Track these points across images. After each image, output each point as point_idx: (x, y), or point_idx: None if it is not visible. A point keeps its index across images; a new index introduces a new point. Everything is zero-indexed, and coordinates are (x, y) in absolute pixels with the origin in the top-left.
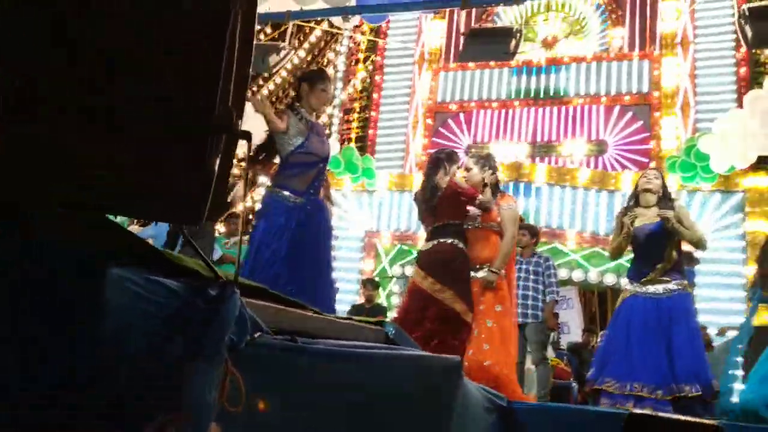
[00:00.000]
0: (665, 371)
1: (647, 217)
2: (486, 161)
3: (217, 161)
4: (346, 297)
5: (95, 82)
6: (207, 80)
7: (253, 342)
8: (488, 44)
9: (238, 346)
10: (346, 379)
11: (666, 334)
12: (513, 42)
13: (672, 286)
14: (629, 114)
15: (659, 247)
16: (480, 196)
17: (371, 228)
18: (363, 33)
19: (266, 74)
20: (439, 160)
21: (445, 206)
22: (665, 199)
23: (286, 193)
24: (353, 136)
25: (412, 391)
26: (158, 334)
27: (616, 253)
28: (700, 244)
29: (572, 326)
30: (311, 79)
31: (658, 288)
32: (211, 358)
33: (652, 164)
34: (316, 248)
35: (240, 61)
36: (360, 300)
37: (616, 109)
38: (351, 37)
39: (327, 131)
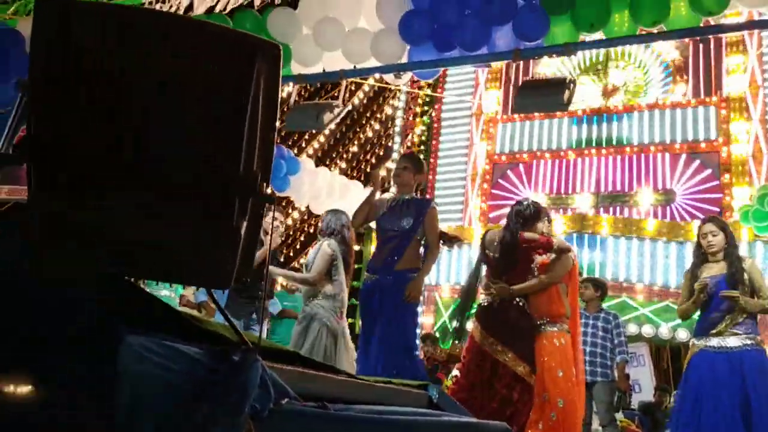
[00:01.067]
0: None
1: (715, 270)
2: (546, 213)
3: (244, 224)
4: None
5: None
6: (230, 145)
7: (279, 409)
8: (541, 95)
9: (261, 413)
10: None
11: (741, 390)
12: (567, 93)
13: (744, 340)
14: (697, 162)
15: (727, 300)
16: (555, 241)
17: (430, 281)
18: (420, 87)
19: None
20: (529, 214)
21: (518, 261)
22: (731, 247)
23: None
24: None
25: None
26: (176, 404)
27: (685, 317)
28: (766, 312)
29: (644, 384)
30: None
31: (729, 341)
32: (231, 426)
33: (727, 214)
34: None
35: (264, 124)
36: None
37: (683, 157)
38: (408, 92)
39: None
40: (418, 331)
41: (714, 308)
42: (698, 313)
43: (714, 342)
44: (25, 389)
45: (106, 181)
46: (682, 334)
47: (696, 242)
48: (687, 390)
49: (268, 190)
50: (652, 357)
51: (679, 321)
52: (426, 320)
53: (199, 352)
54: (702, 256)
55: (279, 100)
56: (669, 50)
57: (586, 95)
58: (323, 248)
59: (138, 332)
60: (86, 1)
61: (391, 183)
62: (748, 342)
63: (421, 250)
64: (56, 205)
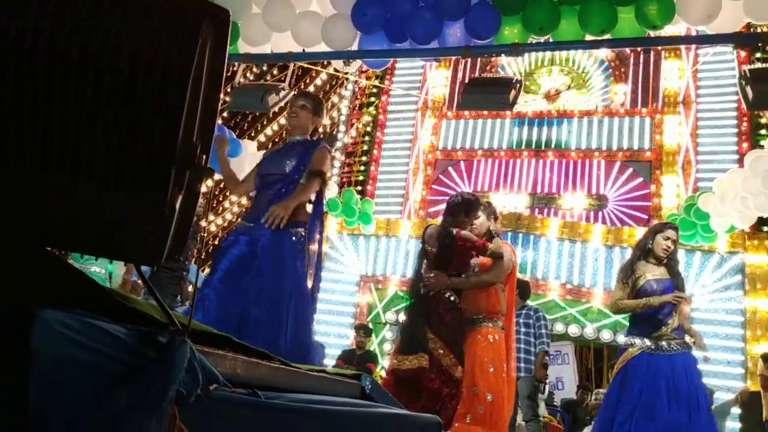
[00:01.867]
0: None
1: (658, 273)
2: (492, 210)
3: (179, 198)
4: (340, 341)
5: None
6: (169, 113)
7: (207, 395)
8: (487, 93)
9: (188, 399)
10: None
11: (686, 394)
12: (513, 92)
13: (681, 343)
14: (630, 170)
15: (670, 307)
16: (491, 245)
17: (366, 272)
18: (368, 78)
19: (269, 114)
20: (458, 206)
21: (453, 258)
22: (674, 261)
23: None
24: (353, 179)
25: None
26: (96, 386)
27: (620, 312)
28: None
29: (567, 382)
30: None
31: (672, 344)
32: (155, 411)
33: (655, 222)
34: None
35: (207, 93)
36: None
37: (617, 164)
38: (356, 81)
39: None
40: (351, 320)
41: (657, 311)
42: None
43: (654, 344)
44: None
45: (25, 144)
46: (606, 335)
47: (645, 240)
48: (624, 390)
49: (208, 164)
50: (576, 356)
51: (604, 322)
52: (360, 311)
53: (124, 331)
54: (646, 254)
55: (225, 69)
56: (611, 59)
57: (529, 99)
58: None
59: (54, 307)
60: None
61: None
62: (684, 345)
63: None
64: None
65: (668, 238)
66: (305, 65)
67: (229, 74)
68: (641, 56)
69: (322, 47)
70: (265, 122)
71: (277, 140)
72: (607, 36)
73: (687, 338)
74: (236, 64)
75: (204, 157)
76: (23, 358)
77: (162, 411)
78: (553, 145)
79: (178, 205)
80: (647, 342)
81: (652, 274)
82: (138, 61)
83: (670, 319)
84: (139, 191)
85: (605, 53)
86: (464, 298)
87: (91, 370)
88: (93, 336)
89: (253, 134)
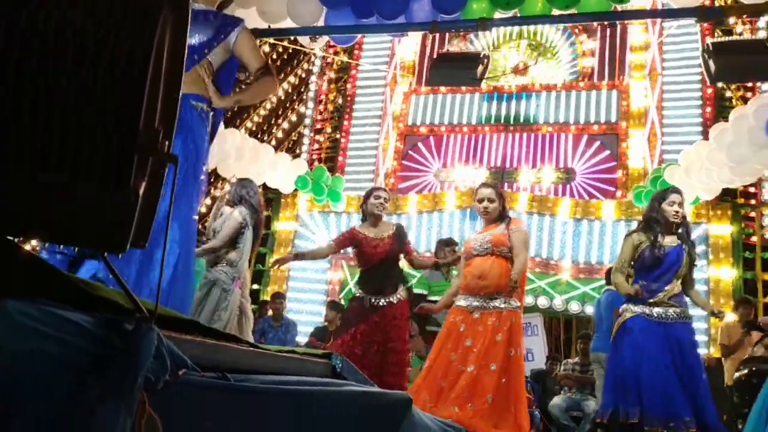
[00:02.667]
0: (688, 405)
1: (668, 242)
2: (501, 193)
3: (143, 185)
4: (312, 318)
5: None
6: (129, 99)
7: (175, 380)
8: (455, 69)
9: (156, 385)
10: (282, 419)
11: (678, 358)
12: (480, 67)
13: (679, 312)
14: (597, 143)
15: (672, 273)
16: (513, 227)
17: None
18: (336, 53)
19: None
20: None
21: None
22: (684, 227)
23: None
24: (323, 156)
25: (358, 430)
26: (64, 380)
27: (617, 287)
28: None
29: (536, 353)
30: None
31: (668, 312)
32: (123, 398)
33: (619, 193)
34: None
35: (169, 78)
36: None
37: (584, 137)
38: (323, 57)
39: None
40: (324, 297)
41: (656, 279)
42: (627, 278)
43: (653, 311)
44: None
45: None
46: (575, 306)
47: (649, 212)
48: (624, 354)
49: (171, 149)
50: (545, 327)
51: (572, 294)
52: (332, 288)
53: (89, 319)
54: (654, 222)
55: (185, 53)
56: (579, 33)
57: (497, 73)
58: (234, 216)
59: (16, 298)
60: None
61: None
62: (683, 315)
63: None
64: None
65: (674, 203)
66: (271, 41)
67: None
68: (608, 29)
69: (288, 23)
70: (245, 116)
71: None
72: (573, 10)
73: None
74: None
75: (167, 142)
76: None
77: (131, 398)
78: (521, 120)
79: (141, 192)
80: (642, 308)
81: (661, 243)
82: (99, 47)
83: (668, 285)
84: (102, 178)
85: (576, 35)
86: (498, 276)
87: (58, 363)
88: (57, 326)
89: (238, 123)
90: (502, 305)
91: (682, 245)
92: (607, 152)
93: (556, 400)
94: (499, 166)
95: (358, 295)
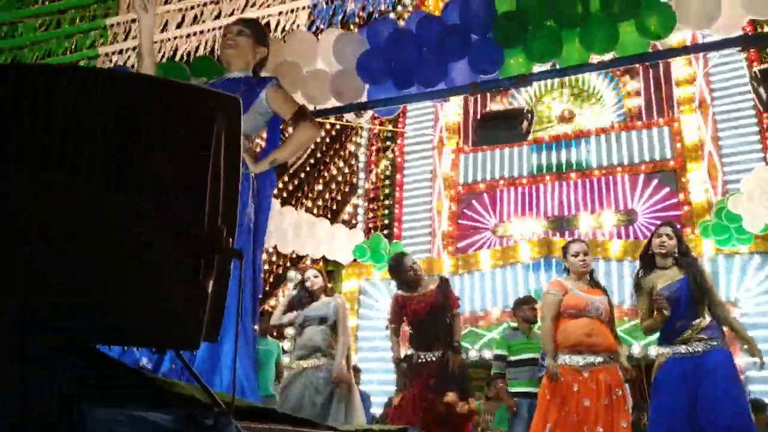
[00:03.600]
0: None
1: (668, 277)
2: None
3: (211, 281)
4: (384, 388)
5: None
6: (193, 201)
7: None
8: (500, 128)
9: None
10: None
11: (693, 390)
12: (525, 123)
13: (709, 342)
14: (655, 181)
15: (691, 306)
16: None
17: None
18: (381, 123)
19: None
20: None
21: None
22: (684, 256)
23: None
24: (379, 224)
25: None
26: None
27: (652, 333)
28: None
29: None
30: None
31: (695, 346)
32: None
33: (688, 230)
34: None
35: (227, 177)
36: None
37: (641, 177)
38: (370, 128)
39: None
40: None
41: (680, 316)
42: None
43: (682, 349)
44: None
45: (64, 242)
46: (654, 351)
47: (644, 251)
48: (660, 401)
49: (234, 245)
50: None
51: (650, 338)
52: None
53: (168, 418)
54: (649, 260)
55: (240, 152)
56: (622, 75)
57: (543, 123)
58: (342, 304)
59: (104, 405)
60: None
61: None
62: (714, 344)
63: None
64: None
65: (660, 235)
66: (319, 120)
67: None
68: (651, 76)
69: (332, 102)
70: (286, 179)
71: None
72: (611, 54)
73: (724, 337)
74: None
75: (230, 239)
76: None
77: None
78: (574, 166)
79: (210, 289)
80: (672, 348)
81: (661, 281)
82: (161, 152)
83: (694, 319)
84: (171, 279)
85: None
86: (605, 335)
87: None
88: (142, 428)
89: (294, 202)
90: (610, 360)
91: (687, 276)
92: (667, 189)
93: None
94: (557, 214)
95: (408, 353)
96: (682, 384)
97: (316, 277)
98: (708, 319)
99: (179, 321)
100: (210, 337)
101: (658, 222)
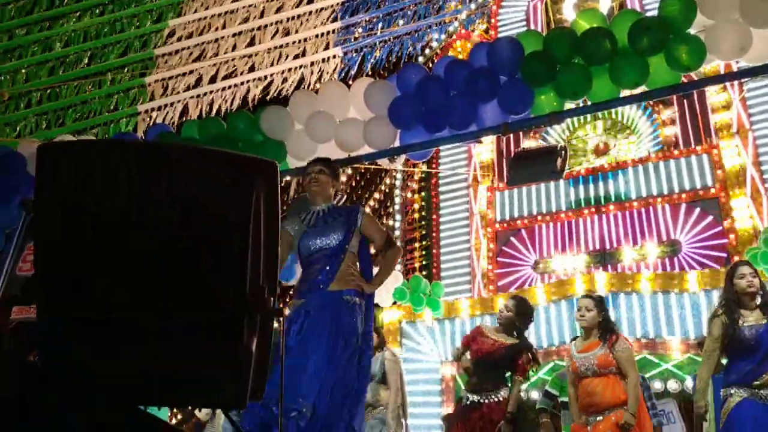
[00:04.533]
0: None
1: (754, 318)
2: (603, 304)
3: (255, 340)
4: (429, 422)
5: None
6: (235, 263)
7: None
8: (534, 166)
9: None
10: None
11: None
12: (559, 160)
13: None
14: (697, 210)
15: None
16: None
17: (445, 358)
18: (415, 165)
19: None
20: None
21: None
22: (765, 296)
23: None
24: (417, 265)
25: None
26: None
27: (702, 378)
28: None
29: None
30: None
31: None
32: None
33: (736, 258)
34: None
35: (267, 238)
36: None
37: (683, 206)
38: (404, 170)
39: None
40: (439, 411)
41: (758, 359)
42: (727, 359)
43: (761, 393)
44: None
45: (113, 309)
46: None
47: (725, 292)
48: None
49: (276, 304)
50: (681, 413)
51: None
52: (446, 371)
53: None
54: (735, 298)
55: (279, 213)
56: (656, 104)
57: (579, 157)
58: (391, 357)
59: None
60: (91, 143)
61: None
62: None
63: (358, 264)
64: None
65: (743, 275)
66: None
67: (282, 185)
68: (686, 104)
69: (366, 149)
70: None
71: None
72: (642, 88)
73: None
74: (288, 176)
75: (272, 298)
76: None
77: None
78: (613, 198)
79: (254, 348)
80: (750, 391)
81: (745, 320)
82: (204, 216)
83: None
84: (216, 339)
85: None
86: (610, 395)
87: None
88: None
89: None
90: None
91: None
92: (710, 218)
93: None
94: (599, 248)
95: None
96: (751, 428)
97: None
98: None
99: (225, 380)
100: (255, 394)
101: (704, 252)
